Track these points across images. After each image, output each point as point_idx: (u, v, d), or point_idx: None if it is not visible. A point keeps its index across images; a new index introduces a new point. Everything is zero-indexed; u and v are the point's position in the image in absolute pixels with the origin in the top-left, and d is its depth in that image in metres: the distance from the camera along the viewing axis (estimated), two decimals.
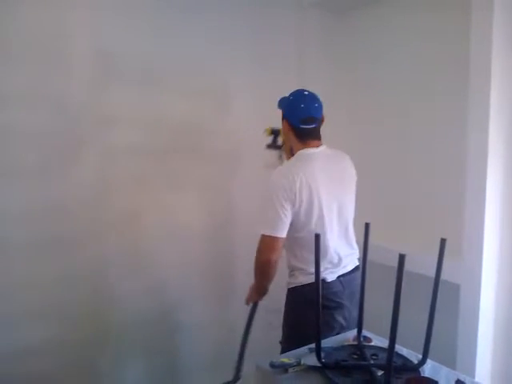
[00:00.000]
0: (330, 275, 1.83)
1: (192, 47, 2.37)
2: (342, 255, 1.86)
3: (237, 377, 2.09)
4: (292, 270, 1.91)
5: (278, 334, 2.45)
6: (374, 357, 1.44)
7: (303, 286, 1.84)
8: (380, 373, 1.31)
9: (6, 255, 1.92)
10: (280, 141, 2.08)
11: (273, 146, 2.03)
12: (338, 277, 1.85)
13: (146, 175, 2.28)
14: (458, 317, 2.07)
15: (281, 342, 1.99)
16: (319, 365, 1.38)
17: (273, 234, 1.75)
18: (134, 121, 2.22)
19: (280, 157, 2.02)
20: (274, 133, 2.05)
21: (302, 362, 1.40)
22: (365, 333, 1.60)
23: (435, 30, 2.24)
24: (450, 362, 1.71)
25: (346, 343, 1.56)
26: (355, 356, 1.46)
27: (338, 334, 1.79)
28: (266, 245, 1.79)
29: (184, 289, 2.46)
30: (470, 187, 2.01)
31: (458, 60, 2.08)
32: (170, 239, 2.39)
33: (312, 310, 1.75)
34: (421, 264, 1.88)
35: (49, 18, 1.96)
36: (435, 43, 2.24)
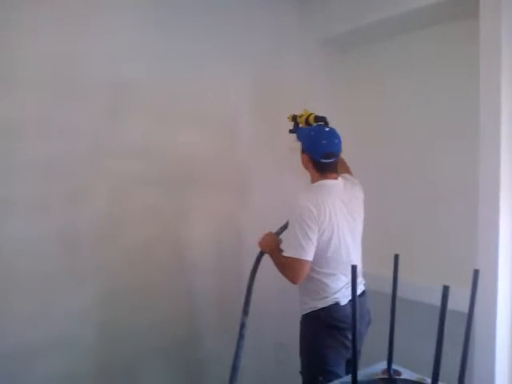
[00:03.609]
0: (342, 299, 1.89)
1: (204, 76, 2.40)
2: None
3: (245, 312, 2.07)
4: (305, 296, 1.95)
5: (287, 368, 2.45)
6: None
7: (318, 311, 1.89)
8: None
9: (18, 286, 1.88)
10: (301, 125, 2.18)
11: (295, 130, 2.15)
12: (350, 300, 1.86)
13: (157, 206, 2.27)
14: (474, 347, 2.06)
15: (301, 372, 1.99)
16: None
17: (302, 258, 1.80)
18: (145, 151, 2.22)
19: (297, 140, 2.09)
20: (294, 119, 2.17)
21: None
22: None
23: (442, 63, 2.31)
24: None
25: (376, 377, 1.54)
26: None
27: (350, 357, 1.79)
28: (294, 268, 1.83)
29: (194, 320, 2.44)
30: (482, 216, 2.02)
31: (466, 89, 2.14)
32: (179, 269, 2.36)
33: (329, 333, 1.88)
34: (429, 294, 1.88)
35: (62, 45, 1.96)
36: (442, 75, 2.31)
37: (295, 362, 2.01)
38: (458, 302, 1.91)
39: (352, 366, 1.34)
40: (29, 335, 1.89)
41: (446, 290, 1.10)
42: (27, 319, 1.89)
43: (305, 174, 2.03)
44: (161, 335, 2.29)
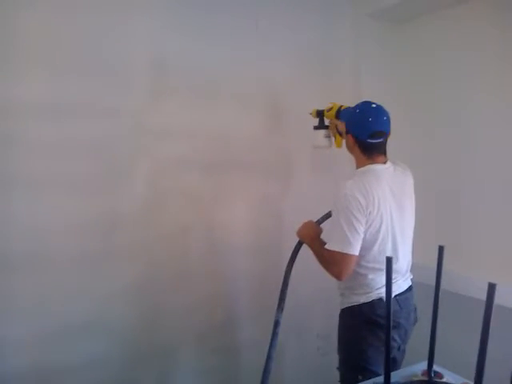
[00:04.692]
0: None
1: (245, 57, 2.31)
2: (403, 272, 1.81)
3: (280, 308, 1.98)
4: (346, 289, 1.82)
5: (328, 360, 2.35)
6: None
7: (360, 306, 1.76)
8: None
9: (58, 268, 1.89)
10: (326, 121, 2.05)
11: (320, 126, 2.02)
12: (395, 296, 1.75)
13: (196, 188, 2.23)
14: None
15: (338, 368, 1.89)
16: None
17: (349, 252, 1.65)
18: (185, 133, 2.18)
19: (327, 136, 1.99)
20: (319, 114, 2.03)
21: None
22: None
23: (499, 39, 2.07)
24: None
25: (416, 378, 1.41)
26: None
27: (393, 356, 1.75)
28: (339, 263, 1.68)
29: (231, 305, 2.39)
30: None
31: None
32: (217, 253, 2.32)
33: (371, 329, 1.74)
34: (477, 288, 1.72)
35: (103, 27, 1.95)
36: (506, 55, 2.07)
37: (336, 353, 1.90)
38: (505, 296, 1.76)
39: (384, 365, 1.23)
40: (67, 317, 1.91)
41: (491, 288, 0.97)
42: (65, 300, 1.91)
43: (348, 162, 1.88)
44: (197, 320, 2.26)
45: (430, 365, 1.41)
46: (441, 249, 1.37)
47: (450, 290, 1.81)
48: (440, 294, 1.76)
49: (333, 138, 2.04)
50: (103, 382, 2.01)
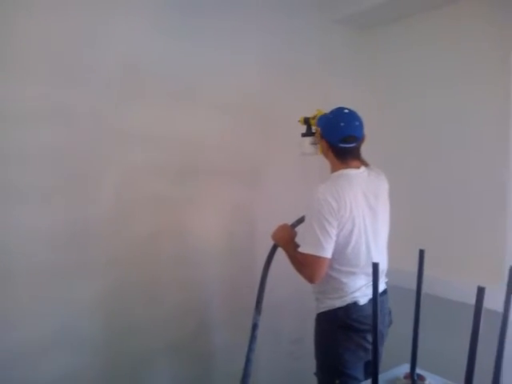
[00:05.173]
0: (362, 298, 1.75)
1: (213, 61, 2.28)
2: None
3: (258, 310, 1.96)
4: (321, 294, 1.82)
5: (301, 364, 2.34)
6: None
7: (335, 310, 1.76)
8: None
9: (23, 280, 1.79)
10: (314, 128, 2.03)
11: (307, 133, 2.01)
12: (370, 299, 1.76)
13: (167, 195, 2.17)
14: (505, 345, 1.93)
15: (316, 374, 1.88)
16: None
17: (321, 255, 1.66)
18: (155, 139, 2.11)
19: (313, 143, 1.98)
20: (307, 121, 2.02)
21: None
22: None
23: (470, 46, 2.14)
24: None
25: (399, 382, 1.42)
26: None
27: (369, 359, 1.74)
28: (311, 266, 1.69)
29: (204, 313, 2.35)
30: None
31: (496, 76, 1.98)
32: (189, 260, 2.26)
33: (347, 334, 1.75)
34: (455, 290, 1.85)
35: (71, 27, 1.87)
36: (469, 61, 2.13)
37: (311, 358, 1.90)
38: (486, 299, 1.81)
39: (372, 371, 1.22)
40: (34, 330, 1.82)
41: (481, 291, 0.98)
42: (33, 314, 1.82)
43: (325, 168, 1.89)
44: (170, 329, 2.20)
45: (413, 368, 1.42)
46: (421, 252, 1.38)
47: (427, 292, 1.84)
48: (411, 294, 1.80)
49: (318, 145, 2.04)
50: None
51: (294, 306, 2.60)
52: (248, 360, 1.93)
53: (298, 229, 1.88)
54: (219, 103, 2.29)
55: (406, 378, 1.43)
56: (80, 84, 1.90)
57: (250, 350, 1.93)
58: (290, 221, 1.93)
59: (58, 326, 1.87)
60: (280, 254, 1.91)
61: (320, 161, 1.91)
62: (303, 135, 2.03)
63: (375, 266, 1.18)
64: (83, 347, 1.95)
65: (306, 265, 1.71)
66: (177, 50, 2.15)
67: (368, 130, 1.81)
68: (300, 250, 1.72)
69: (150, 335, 2.14)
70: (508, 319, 1.20)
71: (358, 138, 1.77)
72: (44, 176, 1.83)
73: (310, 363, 1.91)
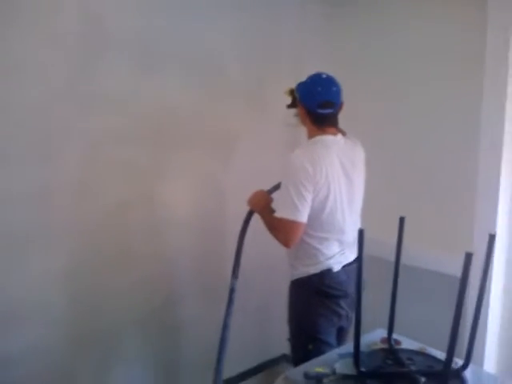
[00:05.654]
0: (336, 265, 1.76)
1: (191, 31, 2.17)
2: (350, 243, 1.80)
3: (235, 275, 1.97)
4: (296, 260, 1.81)
5: (271, 330, 2.32)
6: (409, 361, 1.33)
7: (310, 277, 1.76)
8: (423, 379, 1.21)
9: None
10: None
11: (293, 105, 1.96)
12: (343, 266, 1.78)
13: (136, 163, 2.06)
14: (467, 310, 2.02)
15: (289, 339, 1.89)
16: (355, 373, 1.26)
17: (297, 219, 1.64)
18: (124, 102, 1.99)
19: (297, 115, 1.93)
20: (292, 93, 1.96)
21: (337, 371, 1.27)
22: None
23: (446, 20, 2.11)
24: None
25: (375, 347, 1.44)
26: (389, 361, 1.35)
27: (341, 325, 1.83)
28: (286, 230, 1.67)
29: (173, 285, 2.30)
30: (481, 185, 1.96)
31: (471, 53, 1.98)
32: (158, 232, 2.19)
33: (320, 300, 1.76)
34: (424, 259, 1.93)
35: None
36: (446, 36, 2.11)
37: (279, 325, 1.92)
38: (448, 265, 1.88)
39: (354, 339, 1.23)
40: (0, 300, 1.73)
41: (468, 257, 0.99)
42: None
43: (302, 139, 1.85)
44: (138, 301, 2.14)
45: (390, 332, 1.45)
46: (401, 220, 1.40)
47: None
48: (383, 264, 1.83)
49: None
50: (41, 371, 1.85)
51: (262, 274, 2.58)
52: (225, 325, 1.93)
53: (274, 195, 1.86)
54: (192, 69, 2.19)
55: (382, 342, 1.47)
56: (36, 37, 1.73)
57: (228, 314, 1.94)
58: (260, 188, 1.90)
59: (19, 297, 1.78)
60: (255, 220, 1.89)
61: (298, 132, 1.87)
62: (288, 107, 1.99)
63: (361, 233, 1.17)
64: (47, 320, 1.87)
65: (281, 229, 1.69)
66: (143, 9, 2.01)
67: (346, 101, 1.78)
68: (276, 214, 1.71)
69: (117, 307, 2.07)
70: (486, 283, 1.23)
71: (336, 104, 1.74)
72: (3, 133, 1.69)
73: (278, 330, 1.91)
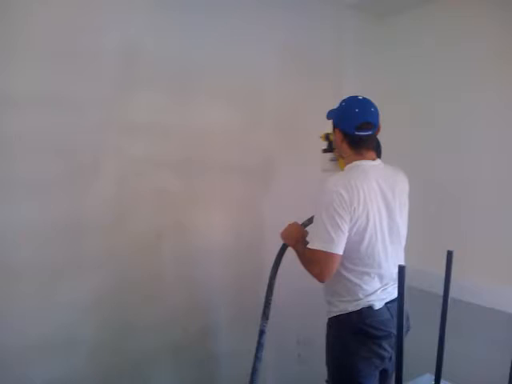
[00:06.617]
0: (377, 302, 1.63)
1: (223, 49, 2.16)
2: (393, 278, 1.68)
3: (265, 315, 1.86)
4: (333, 297, 1.69)
5: (307, 368, 2.29)
6: None
7: (349, 314, 1.63)
8: None
9: (16, 277, 1.68)
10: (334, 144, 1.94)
11: (328, 149, 1.93)
12: (386, 303, 1.65)
13: (170, 189, 2.06)
14: None
15: (327, 381, 1.76)
16: None
17: (332, 251, 1.53)
18: (158, 129, 2.00)
19: (333, 159, 1.90)
20: (328, 137, 1.92)
21: None
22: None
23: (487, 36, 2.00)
24: None
25: None
26: None
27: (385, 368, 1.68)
28: (320, 262, 1.55)
29: (206, 319, 2.24)
30: None
31: None
32: (192, 260, 2.16)
33: (361, 340, 1.62)
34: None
35: (72, 12, 1.75)
36: (485, 51, 2.00)
37: (317, 360, 1.79)
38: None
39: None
40: (28, 333, 1.71)
41: (449, 255, 0.90)
42: (27, 315, 1.71)
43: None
44: (171, 330, 2.10)
45: (438, 379, 1.30)
46: (449, 254, 1.26)
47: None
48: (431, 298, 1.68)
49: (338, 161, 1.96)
50: None
51: (302, 306, 2.48)
52: (255, 369, 1.82)
53: (309, 228, 1.76)
54: (229, 95, 2.19)
55: None
56: (81, 71, 1.78)
57: (257, 358, 1.82)
58: (300, 220, 1.82)
59: (51, 327, 1.77)
60: (288, 253, 1.80)
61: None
62: (324, 151, 1.94)
63: (401, 270, 1.06)
64: (79, 351, 1.85)
65: (314, 261, 1.57)
66: (180, 33, 2.03)
67: (386, 125, 1.69)
68: (309, 246, 1.59)
69: (150, 336, 2.04)
70: None
71: (375, 125, 1.64)
72: (38, 165, 1.71)
73: (319, 367, 1.79)
